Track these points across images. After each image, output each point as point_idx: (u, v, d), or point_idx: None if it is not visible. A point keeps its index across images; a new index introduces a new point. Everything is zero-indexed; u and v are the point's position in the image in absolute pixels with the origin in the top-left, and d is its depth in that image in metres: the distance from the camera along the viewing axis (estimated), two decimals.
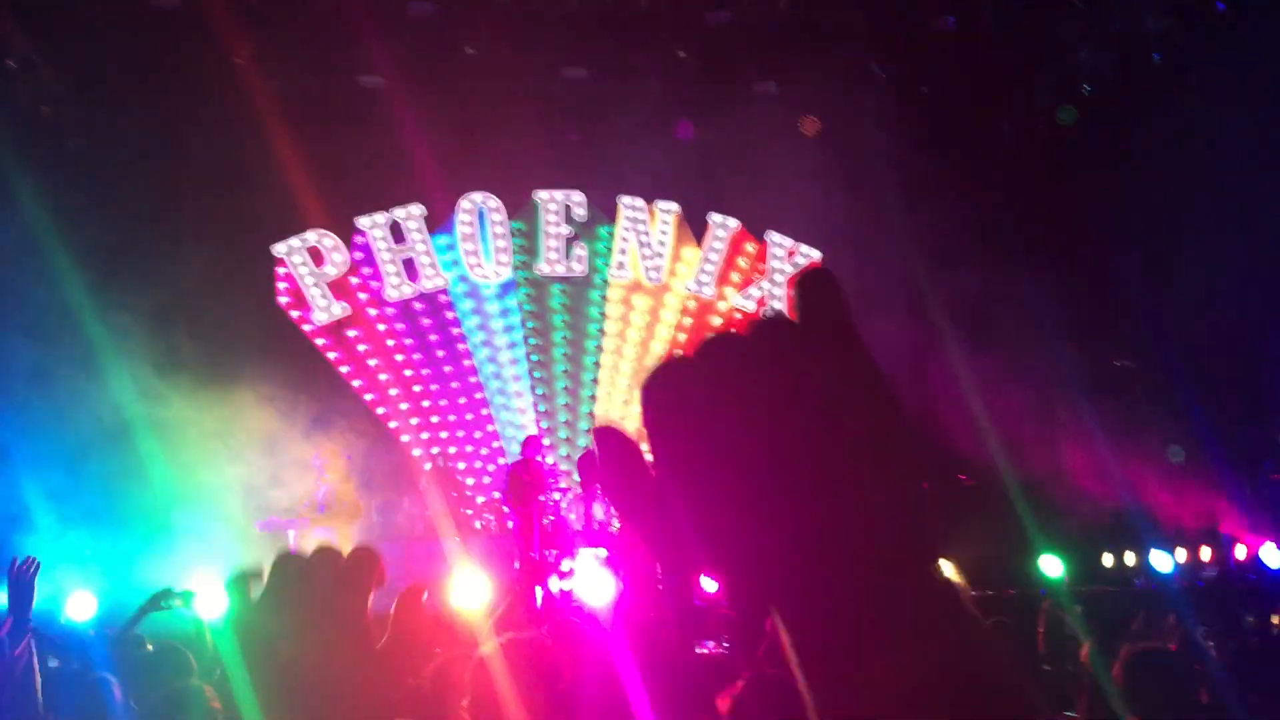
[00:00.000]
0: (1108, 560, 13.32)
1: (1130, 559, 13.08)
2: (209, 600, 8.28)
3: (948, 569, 9.84)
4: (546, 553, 12.34)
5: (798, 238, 15.49)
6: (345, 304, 14.47)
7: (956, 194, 14.93)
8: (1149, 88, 14.71)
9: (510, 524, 13.44)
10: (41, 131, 13.37)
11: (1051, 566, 10.05)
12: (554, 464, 14.11)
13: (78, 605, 9.06)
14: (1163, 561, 10.33)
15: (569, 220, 15.05)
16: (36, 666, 4.89)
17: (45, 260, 12.46)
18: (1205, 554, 13.39)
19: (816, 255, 15.51)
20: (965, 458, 13.18)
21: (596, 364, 15.24)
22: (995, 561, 11.78)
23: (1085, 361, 14.61)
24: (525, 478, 12.08)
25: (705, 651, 9.19)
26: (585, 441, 14.58)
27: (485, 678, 3.66)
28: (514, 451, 14.78)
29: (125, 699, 4.90)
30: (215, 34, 13.06)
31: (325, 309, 14.39)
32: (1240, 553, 13.12)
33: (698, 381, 0.81)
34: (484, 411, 14.95)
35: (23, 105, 13.31)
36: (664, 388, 0.82)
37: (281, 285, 14.40)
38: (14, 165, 12.49)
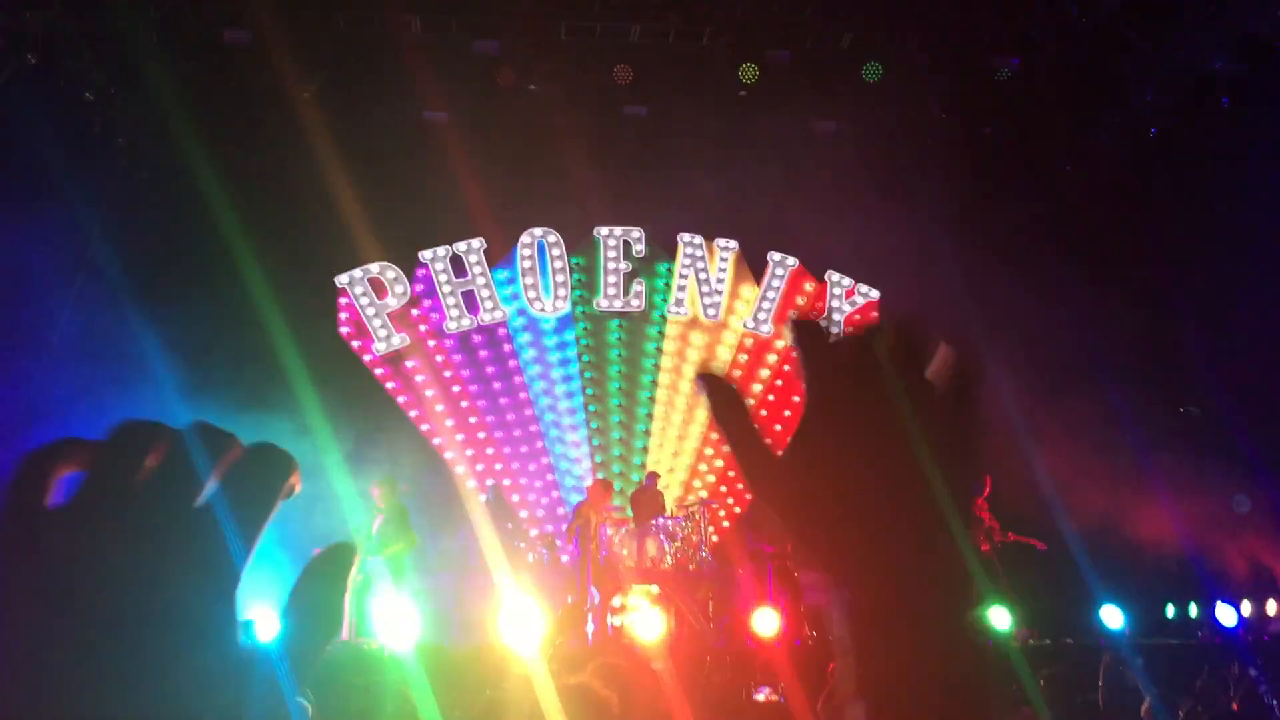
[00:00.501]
0: (1171, 612, 13.04)
1: (1194, 611, 12.79)
2: (266, 629, 8.40)
3: (998, 617, 9.74)
4: (593, 589, 12.35)
5: (857, 277, 15.42)
6: (405, 335, 14.62)
7: (1017, 236, 14.83)
8: (1214, 131, 14.54)
9: (565, 558, 13.48)
10: (115, 162, 13.70)
11: (1113, 618, 9.88)
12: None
13: None
14: (1227, 615, 10.08)
15: (628, 256, 15.12)
16: None
17: (105, 285, 12.73)
18: (1271, 608, 13.07)
19: (875, 294, 15.43)
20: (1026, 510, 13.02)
21: (651, 399, 15.25)
22: (1055, 611, 11.61)
23: (1149, 408, 14.39)
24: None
25: (761, 699, 9.10)
26: (639, 477, 14.56)
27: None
28: (568, 485, 14.84)
29: None
30: (283, 69, 13.36)
31: (385, 339, 14.56)
32: None
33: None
34: (539, 444, 15.01)
35: (96, 136, 13.67)
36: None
37: (343, 315, 14.59)
38: (88, 194, 12.83)
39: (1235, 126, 14.42)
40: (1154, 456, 13.77)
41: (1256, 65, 13.76)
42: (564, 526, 13.40)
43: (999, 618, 10.67)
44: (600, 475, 14.81)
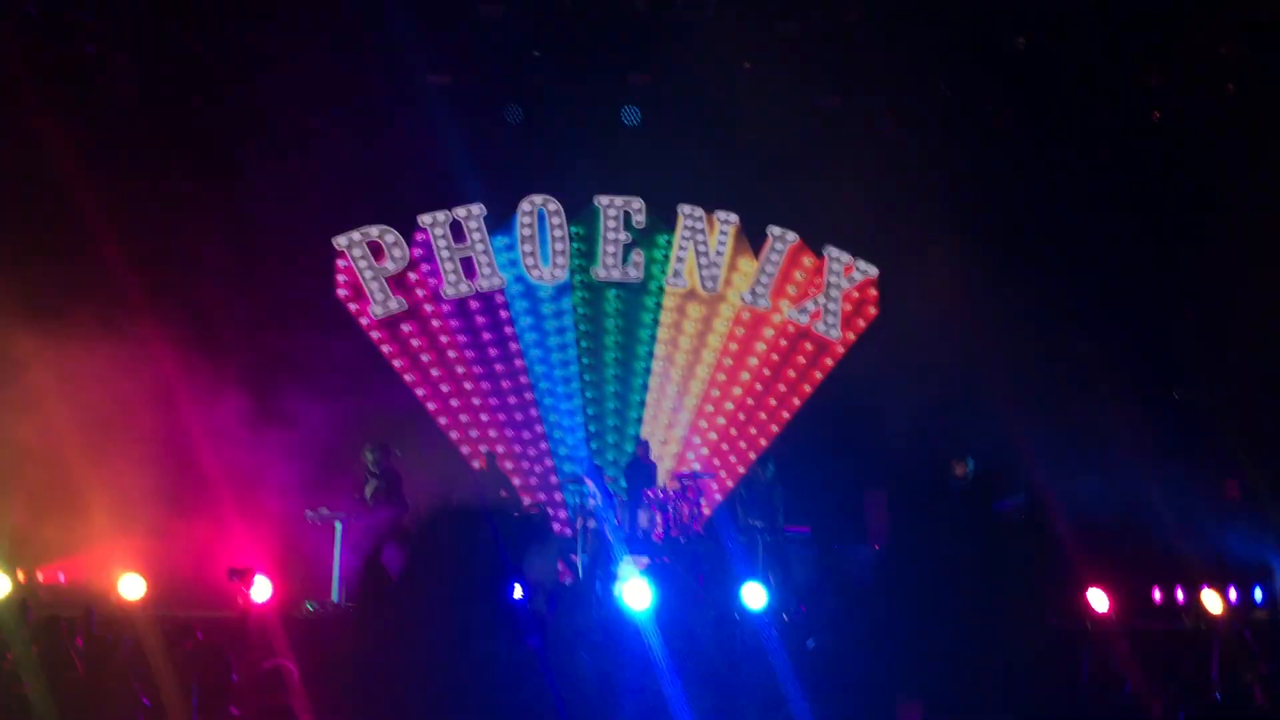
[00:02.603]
0: (1157, 597, 13.11)
1: (1180, 596, 12.86)
2: (260, 586, 8.47)
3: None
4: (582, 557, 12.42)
5: (856, 253, 15.40)
6: (402, 299, 14.60)
7: (1017, 217, 14.84)
8: (1219, 116, 14.54)
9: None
10: (112, 109, 13.64)
11: (1098, 601, 9.93)
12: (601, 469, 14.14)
13: (128, 586, 9.28)
14: (1213, 601, 10.13)
15: (628, 226, 15.08)
16: None
17: (87, 235, 12.71)
18: (1258, 594, 13.15)
19: (874, 271, 15.42)
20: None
21: (647, 370, 15.25)
22: (1040, 594, 11.69)
23: (1142, 392, 14.44)
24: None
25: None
26: (632, 448, 14.59)
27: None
28: (561, 454, 14.87)
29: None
30: (287, 25, 13.28)
31: (382, 303, 14.54)
32: None
33: None
34: (533, 412, 15.02)
35: (96, 88, 13.60)
36: None
37: (341, 278, 14.56)
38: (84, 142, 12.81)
39: (1241, 112, 14.41)
40: (1146, 441, 13.83)
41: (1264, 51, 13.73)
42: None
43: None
44: (594, 445, 14.87)
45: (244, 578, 8.65)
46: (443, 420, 14.73)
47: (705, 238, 15.20)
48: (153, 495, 11.87)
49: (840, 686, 6.48)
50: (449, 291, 14.75)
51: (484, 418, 14.85)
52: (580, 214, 15.14)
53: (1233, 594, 12.02)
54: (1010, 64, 14.10)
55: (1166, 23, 13.67)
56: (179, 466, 12.34)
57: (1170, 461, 13.71)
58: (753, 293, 15.25)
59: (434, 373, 14.76)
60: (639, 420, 15.15)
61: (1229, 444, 14.12)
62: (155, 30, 13.39)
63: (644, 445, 14.16)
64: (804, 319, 15.32)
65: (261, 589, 9.00)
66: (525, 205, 14.94)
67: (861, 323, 15.44)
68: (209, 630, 7.21)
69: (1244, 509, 13.85)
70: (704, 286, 15.22)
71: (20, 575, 10.83)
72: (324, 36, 13.51)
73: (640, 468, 13.89)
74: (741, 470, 15.08)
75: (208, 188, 13.58)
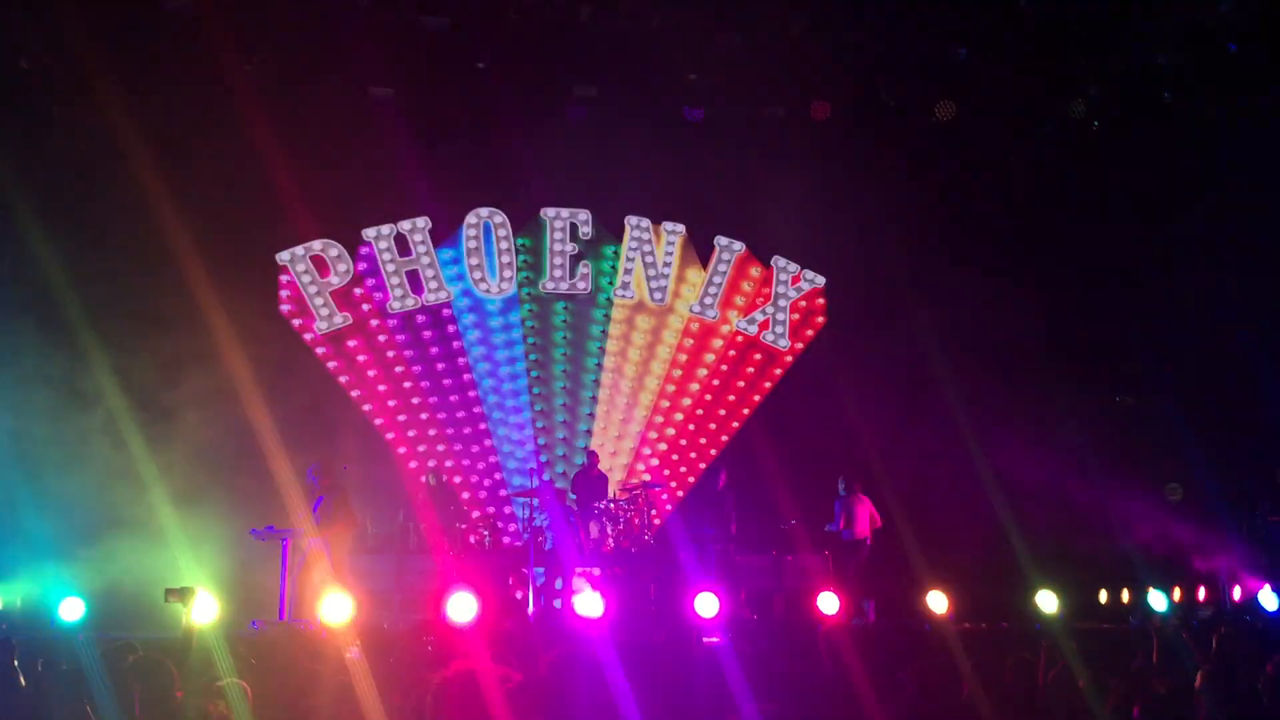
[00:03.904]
0: (1103, 597, 13.27)
1: (1126, 596, 13.03)
2: (201, 606, 8.31)
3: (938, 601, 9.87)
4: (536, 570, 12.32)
5: (803, 263, 15.50)
6: (347, 314, 14.45)
7: (960, 222, 15.00)
8: (1155, 126, 14.80)
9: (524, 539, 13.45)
10: (49, 130, 13.36)
11: (1047, 603, 10.02)
12: (550, 480, 14.07)
13: (69, 608, 9.07)
14: (1158, 600, 10.26)
15: (575, 238, 15.06)
16: None
17: (39, 257, 12.50)
18: (1201, 594, 13.34)
19: (821, 281, 15.52)
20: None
21: (596, 382, 15.21)
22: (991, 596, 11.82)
23: (1085, 398, 14.62)
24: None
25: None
26: (581, 460, 14.53)
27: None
28: (510, 467, 14.77)
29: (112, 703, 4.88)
30: (225, 40, 13.07)
31: (327, 318, 14.38)
32: (1237, 594, 13.09)
33: None
34: (482, 426, 14.91)
35: (32, 104, 13.33)
36: None
37: (284, 294, 14.38)
38: (20, 163, 12.57)
39: (1177, 119, 14.68)
40: (1090, 446, 14.00)
41: (1199, 59, 13.99)
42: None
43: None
44: (543, 459, 14.78)
45: (184, 598, 8.48)
46: (390, 435, 14.57)
47: (653, 249, 15.22)
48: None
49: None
50: (395, 306, 14.63)
51: (432, 432, 14.72)
52: (526, 226, 15.09)
53: (1178, 593, 12.20)
54: (951, 72, 14.26)
55: (1101, 34, 13.90)
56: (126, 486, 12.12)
57: (1116, 464, 13.90)
58: (701, 303, 15.28)
59: (380, 388, 14.60)
60: (588, 432, 15.09)
61: (1172, 448, 14.34)
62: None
63: (592, 456, 14.11)
64: (752, 329, 15.37)
65: (205, 608, 8.83)
66: (471, 218, 14.88)
67: (810, 332, 15.52)
68: (149, 648, 7.04)
69: (1187, 510, 14.07)
70: (652, 298, 15.22)
71: None
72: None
73: (589, 479, 13.83)
74: (692, 480, 15.08)
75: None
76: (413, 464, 14.53)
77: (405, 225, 14.66)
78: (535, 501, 12.82)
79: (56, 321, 12.51)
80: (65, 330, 12.51)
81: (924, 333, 14.32)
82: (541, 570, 12.46)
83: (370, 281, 14.64)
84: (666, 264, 15.26)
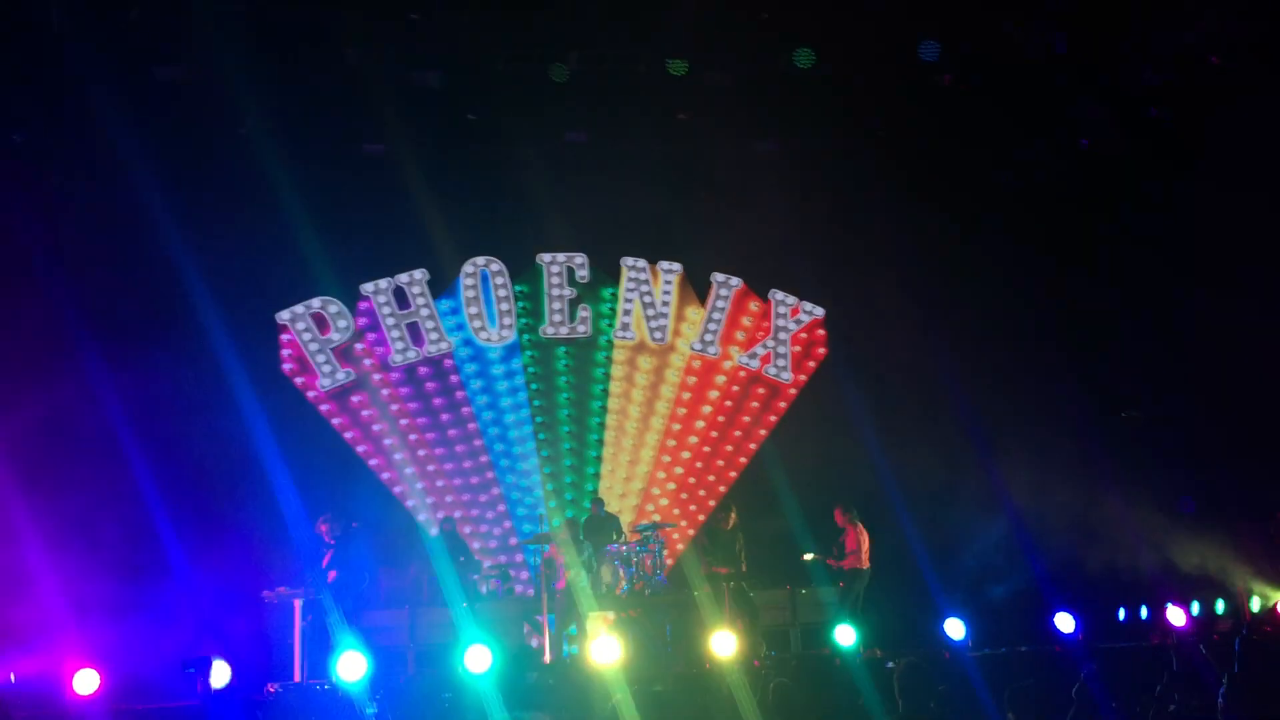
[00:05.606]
0: (1122, 615, 13.19)
1: (1145, 613, 12.95)
2: (218, 672, 8.29)
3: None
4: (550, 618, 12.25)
5: (801, 295, 15.53)
6: (350, 370, 14.47)
7: (957, 246, 15.02)
8: (1147, 142, 14.86)
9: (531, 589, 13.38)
10: (52, 200, 13.47)
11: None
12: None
13: (82, 681, 9.05)
14: (1176, 616, 10.22)
15: (572, 282, 15.11)
16: None
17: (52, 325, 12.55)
18: (1220, 606, 13.26)
19: (820, 312, 15.56)
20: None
21: (602, 425, 15.20)
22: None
23: (1093, 416, 14.60)
24: None
25: None
26: (589, 503, 14.46)
27: None
28: (519, 515, 14.72)
29: None
30: (220, 104, 13.20)
31: (330, 375, 14.40)
32: (1255, 605, 13.01)
33: None
34: (489, 475, 14.88)
35: (32, 178, 13.44)
36: None
37: (285, 352, 14.41)
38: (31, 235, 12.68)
39: (1164, 136, 14.73)
40: (1103, 461, 13.97)
41: (1185, 78, 14.07)
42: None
43: (953, 628, 10.91)
44: (553, 504, 14.73)
45: (200, 667, 8.47)
46: (398, 489, 14.54)
47: (650, 289, 15.26)
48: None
49: None
50: (397, 359, 14.65)
51: (440, 484, 14.69)
52: (524, 273, 15.15)
53: (1195, 608, 12.13)
54: (939, 99, 14.36)
55: (1086, 57, 14.01)
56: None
57: (1124, 481, 13.86)
58: (702, 340, 15.30)
59: (387, 442, 14.59)
60: (596, 475, 15.06)
61: (1181, 462, 14.30)
62: None
63: (598, 502, 14.01)
64: (754, 364, 15.38)
65: (220, 674, 8.81)
66: (468, 267, 14.93)
67: (812, 364, 15.53)
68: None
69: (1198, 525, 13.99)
70: (652, 338, 15.25)
71: None
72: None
73: (599, 523, 13.77)
74: (702, 518, 15.02)
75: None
76: (423, 517, 14.45)
77: (403, 278, 14.71)
78: (546, 548, 12.77)
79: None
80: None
81: (924, 357, 14.34)
82: (554, 617, 12.38)
83: (371, 336, 14.67)
84: (665, 303, 15.29)
